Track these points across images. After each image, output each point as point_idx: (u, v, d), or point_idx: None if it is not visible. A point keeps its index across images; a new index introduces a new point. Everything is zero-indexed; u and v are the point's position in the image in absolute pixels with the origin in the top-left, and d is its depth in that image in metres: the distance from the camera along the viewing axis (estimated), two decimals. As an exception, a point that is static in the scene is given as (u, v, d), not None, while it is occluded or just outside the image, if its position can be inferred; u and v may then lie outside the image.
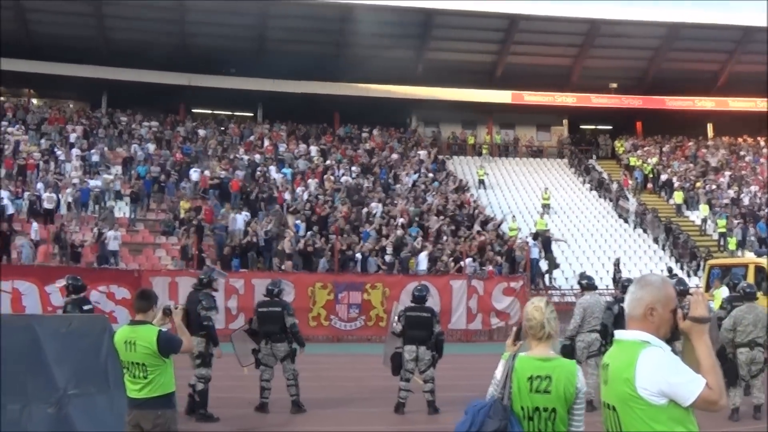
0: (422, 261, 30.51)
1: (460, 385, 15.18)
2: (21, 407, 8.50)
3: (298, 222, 33.01)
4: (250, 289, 25.89)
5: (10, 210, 31.80)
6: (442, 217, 35.20)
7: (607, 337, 13.34)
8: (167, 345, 7.35)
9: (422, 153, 45.53)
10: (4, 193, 32.21)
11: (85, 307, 12.46)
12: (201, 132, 44.65)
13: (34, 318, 10.71)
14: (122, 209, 34.63)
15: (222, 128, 46.29)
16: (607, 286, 32.21)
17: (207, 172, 37.88)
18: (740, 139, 53.79)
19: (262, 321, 13.83)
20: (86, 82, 46.04)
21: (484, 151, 51.14)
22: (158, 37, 44.36)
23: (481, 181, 45.26)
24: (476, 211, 37.88)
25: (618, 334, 4.09)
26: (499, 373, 4.82)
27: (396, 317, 14.17)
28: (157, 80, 45.28)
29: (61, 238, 29.40)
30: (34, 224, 30.22)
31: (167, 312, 7.85)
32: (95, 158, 37.95)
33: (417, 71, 49.35)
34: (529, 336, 4.83)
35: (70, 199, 33.26)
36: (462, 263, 30.25)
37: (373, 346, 22.03)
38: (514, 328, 5.03)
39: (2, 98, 47.57)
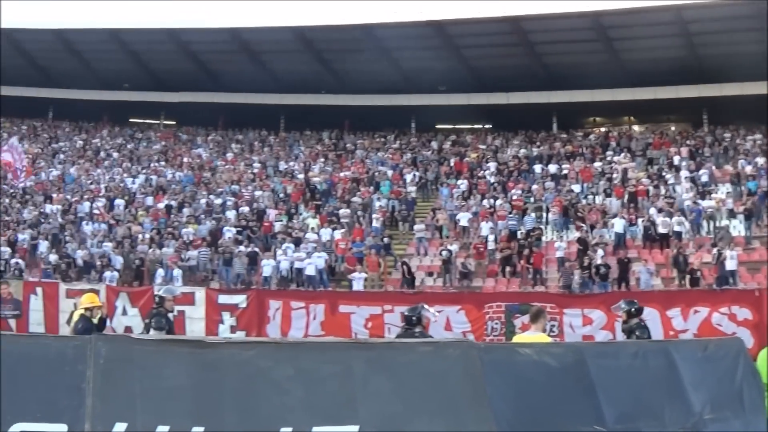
0: None
1: None
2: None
3: None
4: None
5: (626, 237, 33.09)
6: None
7: None
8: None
9: None
10: (619, 221, 33.53)
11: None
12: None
13: (671, 343, 11.09)
14: (736, 227, 33.82)
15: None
16: None
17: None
18: None
19: None
20: (684, 102, 46.23)
21: None
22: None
23: None
24: None
25: None
26: None
27: None
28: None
29: (679, 262, 29.76)
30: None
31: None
32: (704, 178, 37.67)
33: None
34: None
35: (678, 227, 33.16)
36: None
37: None
38: None
39: (603, 129, 49.68)
